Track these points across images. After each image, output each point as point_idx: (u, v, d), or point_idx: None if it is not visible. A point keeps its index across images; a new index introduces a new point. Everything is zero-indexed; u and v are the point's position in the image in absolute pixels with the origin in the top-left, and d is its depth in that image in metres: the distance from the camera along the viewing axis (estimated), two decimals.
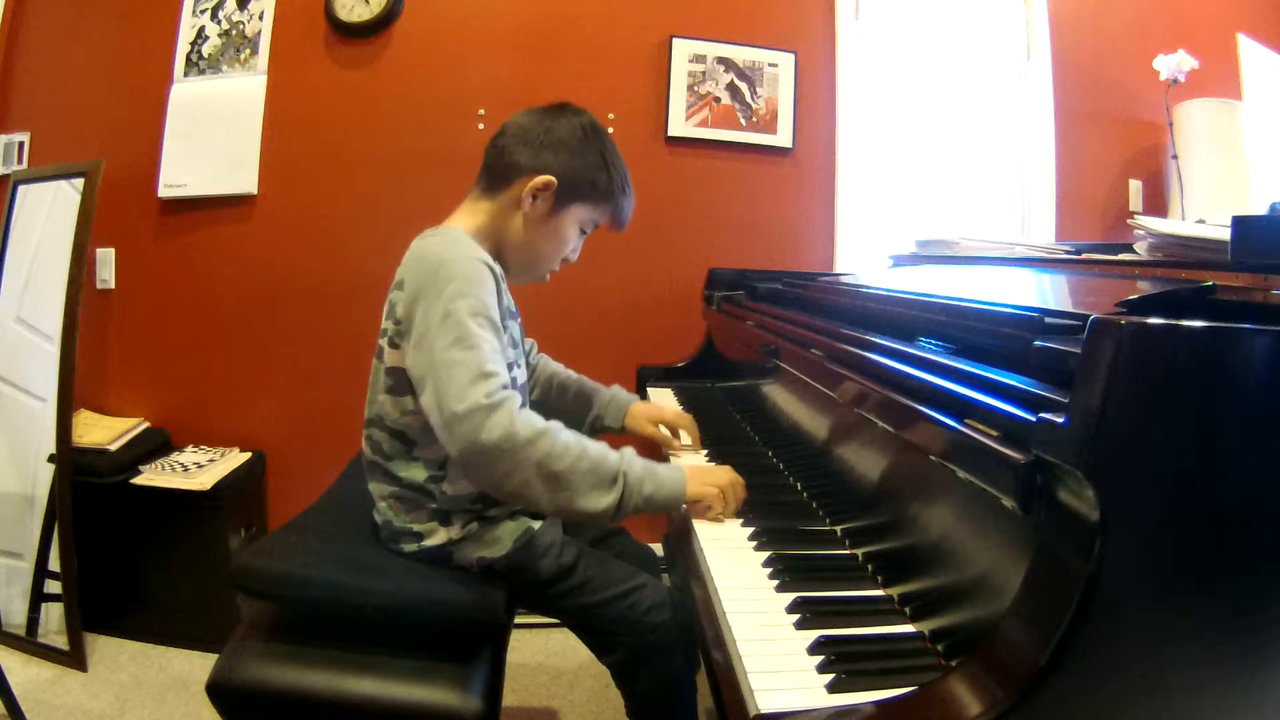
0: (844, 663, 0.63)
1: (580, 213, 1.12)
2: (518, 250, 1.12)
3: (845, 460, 0.97)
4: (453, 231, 1.09)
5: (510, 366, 1.08)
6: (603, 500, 0.94)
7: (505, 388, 0.94)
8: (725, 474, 1.02)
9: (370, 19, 2.11)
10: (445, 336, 0.93)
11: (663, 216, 2.26)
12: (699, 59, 2.25)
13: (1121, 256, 1.19)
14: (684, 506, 1.01)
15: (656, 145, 2.26)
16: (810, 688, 0.61)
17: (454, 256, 1.00)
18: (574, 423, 1.33)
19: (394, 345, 1.04)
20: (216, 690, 0.94)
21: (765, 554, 0.86)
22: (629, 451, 0.99)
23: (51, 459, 1.81)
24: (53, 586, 1.83)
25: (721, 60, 2.26)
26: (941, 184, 2.48)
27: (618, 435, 1.33)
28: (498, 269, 1.04)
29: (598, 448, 0.96)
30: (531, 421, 0.93)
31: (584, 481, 0.93)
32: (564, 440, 0.94)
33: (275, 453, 2.15)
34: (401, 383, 1.03)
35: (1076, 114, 2.44)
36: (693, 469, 1.02)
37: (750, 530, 0.94)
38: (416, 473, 1.06)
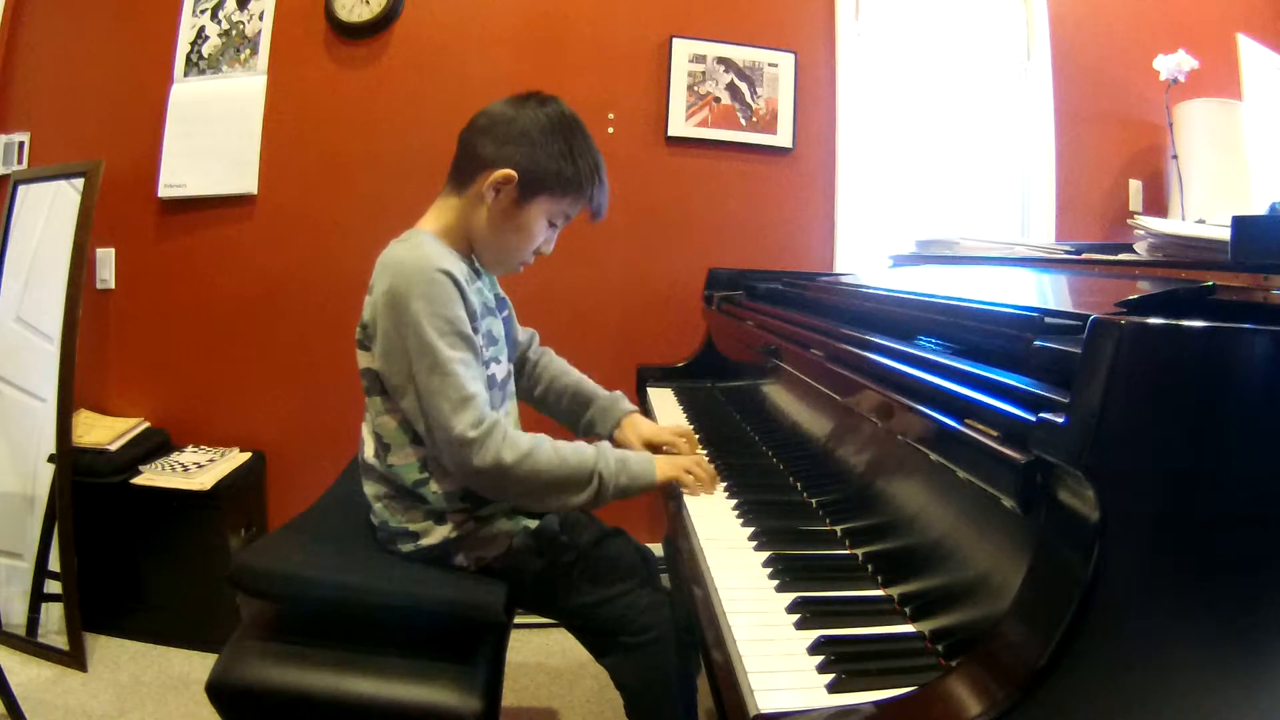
0: (844, 663, 0.63)
1: (546, 205, 1.09)
2: (485, 245, 1.12)
3: (845, 460, 0.97)
4: (420, 235, 1.08)
5: (487, 364, 1.10)
6: (581, 497, 1.02)
7: (487, 405, 0.99)
8: (689, 459, 1.11)
9: (370, 19, 2.11)
10: (421, 362, 0.97)
11: (663, 216, 2.26)
12: (699, 59, 2.25)
13: (1121, 256, 1.19)
14: (683, 495, 1.04)
15: (656, 145, 2.26)
16: (810, 688, 0.61)
17: (414, 269, 0.99)
18: (570, 424, 1.35)
19: (363, 347, 1.06)
20: (216, 690, 0.94)
21: (765, 554, 0.86)
22: (605, 447, 1.05)
23: (51, 459, 1.81)
24: (53, 586, 1.83)
25: (721, 60, 2.26)
26: (941, 184, 2.48)
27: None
28: (459, 273, 1.02)
29: (576, 454, 1.02)
30: (516, 445, 0.98)
31: (565, 487, 1.01)
32: (546, 455, 1.00)
33: (275, 453, 2.15)
34: (374, 384, 1.05)
35: (1076, 114, 2.44)
36: (661, 457, 1.11)
37: (750, 530, 0.94)
38: (404, 474, 1.06)
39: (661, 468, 1.07)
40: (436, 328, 0.97)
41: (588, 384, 1.36)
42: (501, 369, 1.16)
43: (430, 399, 0.96)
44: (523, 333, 1.36)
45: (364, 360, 1.06)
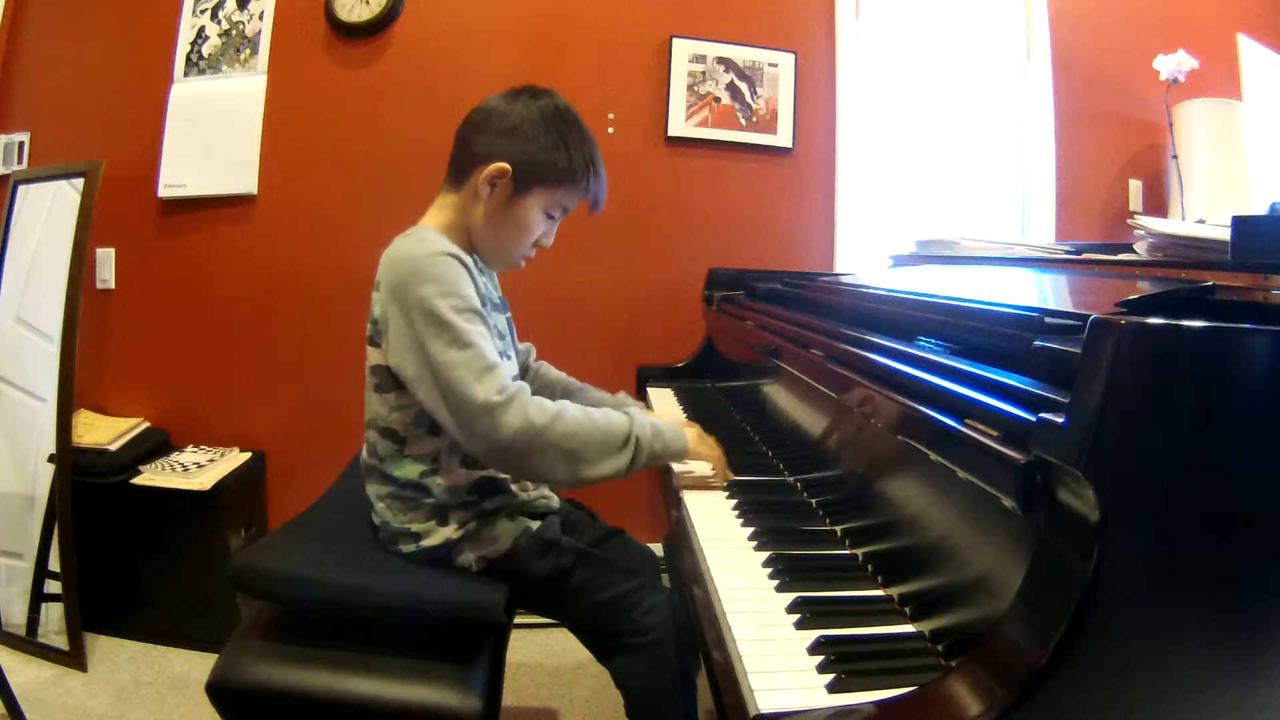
0: (844, 663, 0.63)
1: (542, 197, 1.09)
2: (484, 240, 1.12)
3: (845, 460, 0.97)
4: (422, 230, 1.08)
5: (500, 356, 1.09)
6: (617, 463, 1.00)
7: (509, 375, 0.97)
8: (716, 446, 1.13)
9: (370, 19, 2.11)
10: (439, 338, 0.95)
11: (663, 216, 2.26)
12: (699, 59, 2.25)
13: (1121, 256, 1.19)
14: (685, 508, 1.02)
15: (656, 145, 2.26)
16: (810, 688, 0.61)
17: (422, 255, 1.00)
18: None
19: (374, 344, 1.05)
20: (216, 690, 0.94)
21: (765, 554, 0.86)
22: (637, 412, 1.05)
23: (51, 459, 1.81)
24: (53, 586, 1.83)
25: (721, 60, 2.26)
26: (941, 184, 2.49)
27: None
28: (468, 260, 1.03)
29: (605, 417, 1.01)
30: (543, 407, 0.97)
31: (599, 452, 0.99)
32: (575, 417, 0.98)
33: (275, 453, 2.15)
34: (385, 380, 1.04)
35: (1076, 114, 2.44)
36: (694, 431, 1.10)
37: (750, 530, 0.94)
38: (410, 470, 1.06)
39: (693, 440, 1.08)
40: (451, 305, 0.96)
41: (591, 390, 1.37)
42: (511, 366, 1.16)
43: (451, 372, 0.94)
44: (520, 346, 1.36)
45: (374, 357, 1.06)
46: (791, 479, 1.14)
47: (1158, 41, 2.31)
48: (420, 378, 0.97)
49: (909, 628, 0.72)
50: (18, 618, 1.86)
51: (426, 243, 1.02)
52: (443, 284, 0.97)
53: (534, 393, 1.34)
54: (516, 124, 1.07)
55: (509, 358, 1.15)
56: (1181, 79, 2.23)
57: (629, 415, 1.03)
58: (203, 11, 2.14)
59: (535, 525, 1.12)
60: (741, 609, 0.74)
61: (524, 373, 1.36)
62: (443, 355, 0.94)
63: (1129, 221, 1.20)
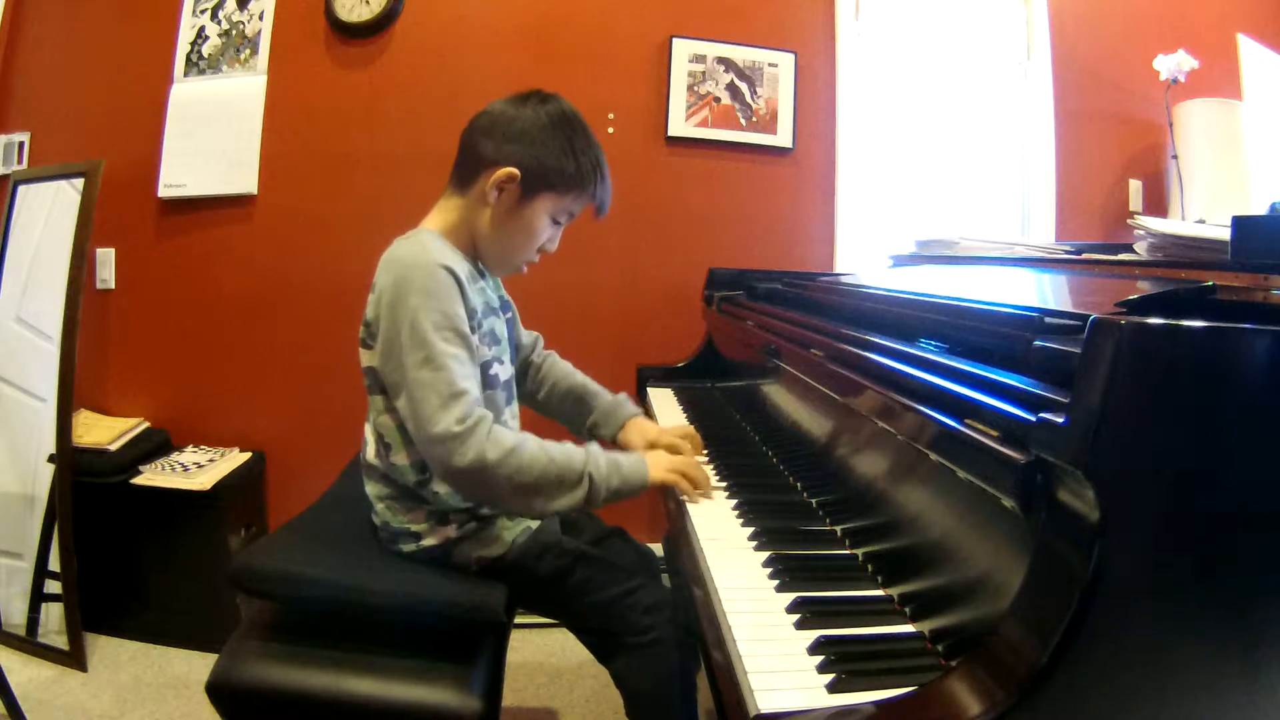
0: (844, 663, 0.63)
1: (549, 202, 1.09)
2: (489, 244, 1.12)
3: (845, 460, 0.97)
4: (423, 234, 1.08)
5: (490, 364, 1.10)
6: (571, 499, 1.01)
7: (477, 404, 0.98)
8: (684, 461, 1.09)
9: (370, 19, 2.11)
10: (414, 355, 0.96)
11: (663, 216, 2.26)
12: (699, 59, 2.25)
13: (1121, 256, 1.19)
14: (683, 499, 1.04)
15: (656, 145, 2.26)
16: (810, 688, 0.61)
17: (415, 265, 1.00)
18: (573, 427, 1.34)
19: (365, 346, 1.06)
20: (216, 690, 0.94)
21: (765, 554, 0.86)
22: (595, 449, 1.04)
23: (51, 459, 1.82)
24: (53, 586, 1.83)
25: (721, 60, 2.27)
26: (941, 184, 2.48)
27: (613, 445, 1.29)
28: (462, 271, 1.03)
29: (564, 454, 1.01)
30: (500, 442, 0.96)
31: (551, 488, 1.00)
32: (530, 453, 0.98)
33: (275, 453, 2.15)
34: (375, 382, 1.05)
35: (1076, 114, 2.44)
36: (653, 456, 1.09)
37: (750, 530, 0.94)
38: (404, 475, 1.06)
39: (655, 470, 1.06)
40: (433, 321, 0.97)
41: (591, 387, 1.35)
42: (505, 370, 1.16)
43: (419, 392, 0.95)
44: (526, 336, 1.36)
45: (366, 358, 1.06)
46: (791, 479, 1.14)
47: (1158, 41, 2.31)
48: (400, 385, 0.98)
49: (909, 628, 0.72)
50: (18, 618, 1.86)
51: (424, 249, 1.02)
52: (430, 298, 0.97)
53: (537, 385, 1.36)
54: (525, 129, 1.07)
55: (501, 362, 1.15)
56: (1181, 79, 2.23)
57: (587, 453, 1.02)
58: (203, 11, 2.14)
59: (534, 525, 1.12)
60: (741, 609, 0.74)
61: (526, 366, 1.35)
62: (415, 373, 0.96)
63: (1129, 221, 1.20)
